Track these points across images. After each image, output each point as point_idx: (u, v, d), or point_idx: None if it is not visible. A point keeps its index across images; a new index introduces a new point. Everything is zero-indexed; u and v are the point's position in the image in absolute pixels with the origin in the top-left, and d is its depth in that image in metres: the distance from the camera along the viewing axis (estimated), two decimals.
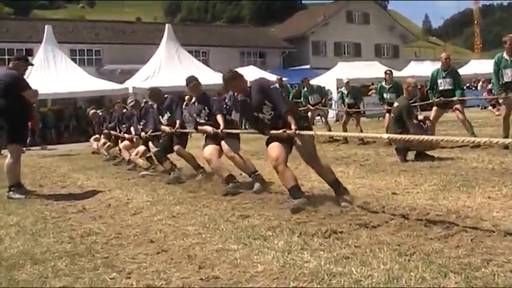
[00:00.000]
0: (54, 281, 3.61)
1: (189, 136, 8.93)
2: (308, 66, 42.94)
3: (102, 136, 13.82)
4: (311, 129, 5.95)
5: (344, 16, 49.59)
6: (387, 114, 11.98)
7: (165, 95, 9.16)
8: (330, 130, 14.61)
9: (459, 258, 3.44)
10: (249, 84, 5.93)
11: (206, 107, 7.52)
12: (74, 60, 30.55)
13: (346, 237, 4.15)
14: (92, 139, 15.07)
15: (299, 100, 16.01)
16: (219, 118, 7.22)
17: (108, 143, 13.13)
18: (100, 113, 14.66)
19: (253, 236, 4.36)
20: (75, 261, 4.07)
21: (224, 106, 7.67)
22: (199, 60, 32.51)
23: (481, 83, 30.11)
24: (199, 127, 7.59)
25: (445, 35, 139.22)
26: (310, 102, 14.78)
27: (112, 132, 12.51)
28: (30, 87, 7.77)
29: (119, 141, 12.16)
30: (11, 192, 7.56)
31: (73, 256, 4.21)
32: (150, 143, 10.31)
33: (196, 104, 7.75)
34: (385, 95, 12.55)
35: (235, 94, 6.21)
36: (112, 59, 36.01)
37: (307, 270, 3.41)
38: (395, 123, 8.89)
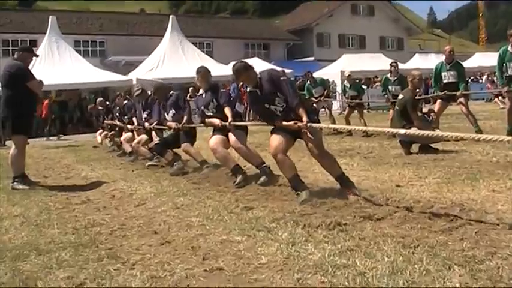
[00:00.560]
0: (58, 272, 3.62)
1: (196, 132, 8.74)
2: (312, 58, 42.83)
3: (103, 129, 13.95)
4: (320, 122, 5.90)
5: (349, 8, 49.30)
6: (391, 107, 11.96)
7: (171, 92, 8.95)
8: (334, 122, 14.62)
9: (463, 251, 3.43)
10: (259, 76, 5.86)
11: (215, 99, 7.36)
12: (78, 51, 30.52)
13: (350, 229, 4.15)
14: (97, 133, 15.10)
15: (303, 92, 16.04)
16: (227, 111, 7.09)
17: (113, 132, 13.17)
18: (107, 103, 14.72)
19: (257, 228, 4.36)
20: (79, 252, 4.07)
21: (229, 98, 7.60)
22: (203, 51, 32.43)
23: (486, 76, 30.01)
24: (207, 120, 7.45)
25: (450, 27, 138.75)
26: (314, 95, 14.78)
27: (117, 122, 12.51)
28: (35, 78, 7.77)
29: (122, 132, 12.16)
30: (16, 183, 7.58)
31: (77, 247, 4.21)
32: (154, 133, 10.20)
33: (204, 95, 7.59)
34: (390, 87, 12.52)
35: (240, 85, 6.19)
36: (116, 50, 35.97)
37: (311, 262, 3.41)
38: (399, 116, 8.87)
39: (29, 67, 7.98)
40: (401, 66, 17.49)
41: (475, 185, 5.61)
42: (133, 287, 3.26)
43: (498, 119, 12.89)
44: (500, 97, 20.28)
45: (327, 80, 18.45)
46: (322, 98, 14.85)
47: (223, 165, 7.33)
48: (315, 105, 14.59)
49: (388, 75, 12.87)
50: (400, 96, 9.17)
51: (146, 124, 9.91)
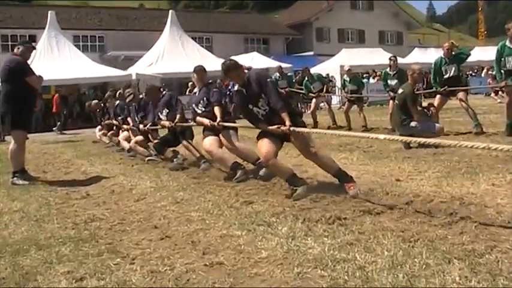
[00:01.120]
0: (58, 267, 3.62)
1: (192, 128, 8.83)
2: (312, 53, 42.83)
3: (102, 127, 13.97)
4: (306, 127, 5.93)
5: (348, 2, 49.14)
6: (391, 101, 11.96)
7: (163, 92, 9.14)
8: (333, 116, 14.69)
9: (463, 245, 3.44)
10: (247, 75, 5.91)
11: (205, 98, 7.44)
12: (78, 46, 30.50)
13: (350, 223, 4.15)
14: (97, 129, 15.10)
15: (302, 88, 16.10)
16: (217, 110, 7.10)
17: (112, 131, 13.18)
18: (102, 104, 14.73)
19: (257, 222, 4.37)
20: (79, 246, 4.08)
21: (228, 93, 7.62)
22: (202, 46, 32.44)
23: (485, 70, 29.99)
24: (197, 118, 7.51)
25: (449, 21, 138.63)
26: (313, 90, 14.82)
27: (114, 122, 12.54)
28: (35, 73, 7.76)
29: (120, 131, 12.19)
30: (15, 178, 7.58)
31: (77, 242, 4.21)
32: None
33: (197, 93, 7.69)
34: (389, 82, 12.52)
35: (225, 85, 6.25)
36: (115, 45, 35.91)
37: (311, 256, 3.42)
38: (399, 110, 8.87)
39: (28, 62, 7.97)
40: (400, 60, 17.48)
41: (475, 179, 5.61)
42: (133, 281, 3.27)
43: (498, 113, 12.89)
44: (499, 92, 20.30)
45: (327, 75, 18.45)
46: (322, 93, 14.90)
47: (222, 166, 7.33)
48: (314, 100, 14.72)
49: (388, 69, 12.87)
50: (400, 91, 9.16)
51: (141, 126, 9.94)
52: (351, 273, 3.08)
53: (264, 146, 5.55)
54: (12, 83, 7.47)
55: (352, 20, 47.80)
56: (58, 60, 25.34)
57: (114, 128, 12.81)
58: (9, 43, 30.97)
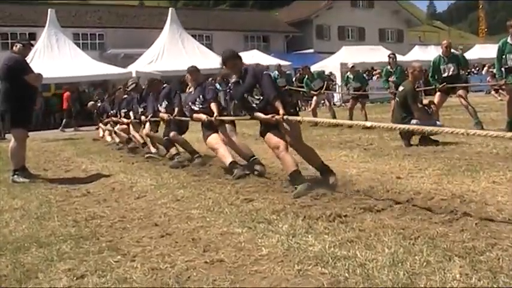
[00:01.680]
0: (59, 264, 3.63)
1: (189, 125, 8.88)
2: (312, 51, 42.76)
3: (102, 125, 14.01)
4: (298, 115, 6.03)
5: (348, 0, 49.17)
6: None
7: (164, 84, 9.35)
8: (334, 114, 14.67)
9: (464, 242, 3.44)
10: (244, 66, 6.04)
11: (201, 95, 7.64)
12: (77, 44, 30.42)
13: (350, 220, 4.16)
14: (100, 124, 15.11)
15: (302, 86, 16.12)
16: (213, 106, 7.37)
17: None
18: (99, 104, 14.77)
19: (258, 220, 4.37)
20: (80, 244, 4.08)
21: (228, 91, 7.67)
22: (202, 44, 32.38)
23: (486, 67, 29.98)
24: (194, 115, 7.68)
25: (450, 19, 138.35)
26: (314, 88, 14.83)
27: (113, 118, 12.56)
28: (33, 71, 7.76)
29: (117, 125, 12.24)
30: (16, 176, 7.58)
31: (78, 239, 4.22)
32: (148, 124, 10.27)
33: (192, 92, 7.86)
34: (390, 79, 12.54)
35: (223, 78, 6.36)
36: (115, 43, 35.91)
37: (311, 254, 3.42)
38: (400, 108, 8.86)
39: (27, 60, 7.97)
40: (401, 58, 17.52)
41: (475, 177, 5.61)
42: (134, 278, 3.27)
43: (498, 111, 12.88)
44: (495, 91, 20.34)
45: (330, 73, 18.46)
46: (323, 90, 14.91)
47: (221, 162, 7.36)
48: (315, 97, 14.73)
49: (388, 67, 12.89)
50: (401, 88, 9.15)
51: (142, 118, 10.06)
52: (352, 271, 3.08)
53: (273, 139, 5.65)
54: (11, 81, 7.47)
55: (352, 17, 47.73)
56: (58, 58, 25.30)
57: (111, 123, 12.87)
58: (9, 41, 30.85)
